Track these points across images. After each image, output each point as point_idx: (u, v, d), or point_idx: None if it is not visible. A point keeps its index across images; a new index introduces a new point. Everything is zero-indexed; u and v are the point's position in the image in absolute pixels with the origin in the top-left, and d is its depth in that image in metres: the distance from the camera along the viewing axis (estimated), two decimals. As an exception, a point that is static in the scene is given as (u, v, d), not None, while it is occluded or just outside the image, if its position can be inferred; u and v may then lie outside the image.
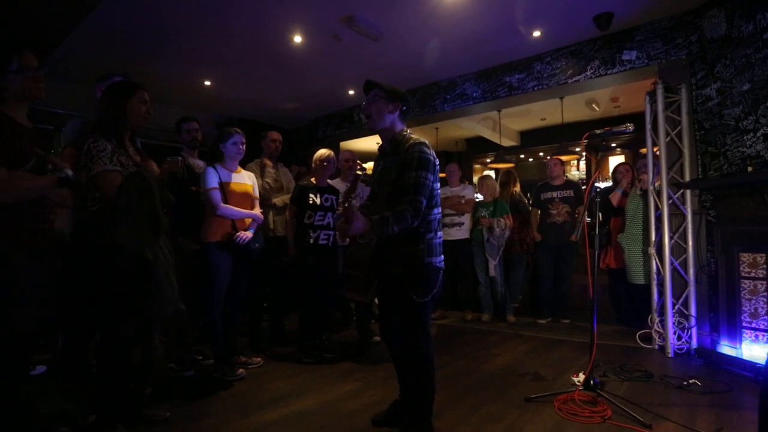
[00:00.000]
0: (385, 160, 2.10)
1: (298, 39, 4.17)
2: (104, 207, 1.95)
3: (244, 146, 2.99)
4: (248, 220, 2.97)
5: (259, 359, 3.20)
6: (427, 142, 2.00)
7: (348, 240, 1.99)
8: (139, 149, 2.23)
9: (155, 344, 2.05)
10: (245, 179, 3.06)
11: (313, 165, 3.44)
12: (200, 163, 3.26)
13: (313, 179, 3.41)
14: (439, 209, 2.06)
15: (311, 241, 3.25)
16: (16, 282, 1.70)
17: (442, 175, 4.93)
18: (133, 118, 2.10)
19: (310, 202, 3.26)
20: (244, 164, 3.30)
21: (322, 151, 3.42)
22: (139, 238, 1.89)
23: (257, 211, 3.07)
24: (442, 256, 2.06)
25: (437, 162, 2.01)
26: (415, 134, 2.08)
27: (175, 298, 2.00)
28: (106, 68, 2.66)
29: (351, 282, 2.06)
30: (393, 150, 2.06)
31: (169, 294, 1.96)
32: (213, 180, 2.83)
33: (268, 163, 3.84)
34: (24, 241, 1.75)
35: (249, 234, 2.88)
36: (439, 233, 2.05)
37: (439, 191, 2.08)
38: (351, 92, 5.79)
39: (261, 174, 3.72)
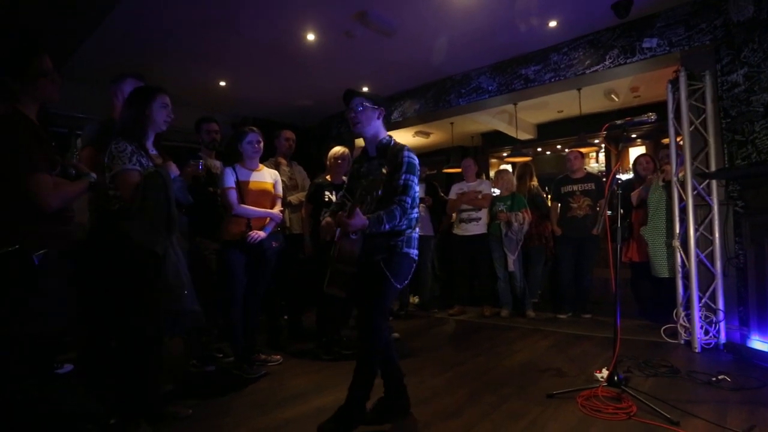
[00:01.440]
0: (369, 164, 2.24)
1: (311, 37, 4.17)
2: (124, 206, 1.98)
3: (261, 144, 2.99)
4: (267, 219, 2.98)
5: (278, 357, 3.22)
6: (408, 146, 2.15)
7: (337, 237, 2.16)
8: (162, 153, 2.26)
9: (164, 340, 2.07)
10: (266, 177, 3.04)
11: (327, 162, 3.44)
12: (217, 164, 3.29)
13: (328, 177, 3.40)
14: (417, 209, 2.19)
15: (327, 238, 3.25)
16: (42, 283, 1.74)
17: (457, 170, 4.91)
18: (154, 122, 2.14)
19: (326, 199, 3.26)
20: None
21: (337, 149, 3.41)
22: (149, 233, 1.91)
23: (277, 209, 3.06)
24: (417, 250, 2.20)
25: (419, 163, 2.16)
26: (395, 137, 2.25)
27: (185, 296, 2.01)
28: (122, 71, 2.69)
29: (336, 276, 2.12)
30: (380, 154, 2.20)
31: (177, 291, 1.97)
32: (230, 180, 2.85)
33: (283, 161, 3.86)
34: (49, 243, 1.78)
35: (262, 233, 2.88)
36: (418, 229, 2.22)
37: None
38: (365, 89, 5.76)
39: (276, 172, 3.74)
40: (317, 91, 5.82)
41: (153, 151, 2.20)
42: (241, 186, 2.89)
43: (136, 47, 4.22)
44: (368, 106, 2.20)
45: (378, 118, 2.24)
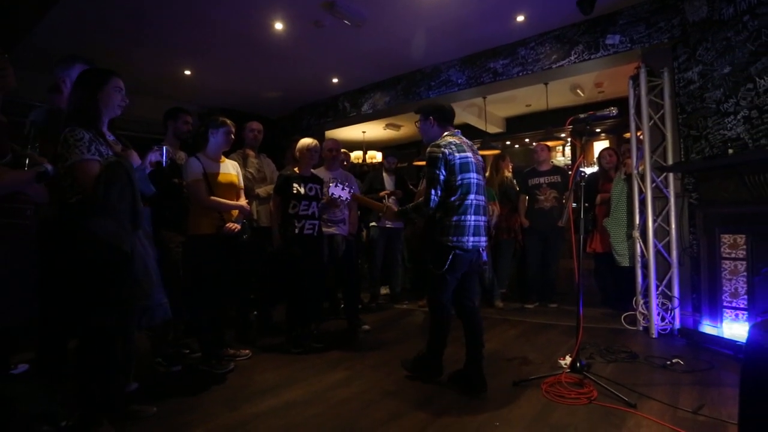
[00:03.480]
0: None
1: (279, 26, 4.09)
2: (84, 198, 1.89)
3: (233, 138, 2.96)
4: (235, 212, 2.93)
5: (247, 351, 3.17)
6: (444, 142, 2.36)
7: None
8: (120, 139, 2.16)
9: (134, 337, 2.00)
10: (230, 169, 3.01)
11: (297, 154, 3.40)
12: (182, 155, 3.19)
13: (296, 169, 3.36)
14: (459, 196, 2.34)
15: (296, 231, 3.22)
16: None
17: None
18: (109, 107, 2.03)
19: (294, 191, 3.22)
20: (226, 155, 3.23)
21: (307, 141, 3.37)
22: (115, 230, 1.84)
23: (243, 201, 3.03)
24: (466, 237, 2.35)
25: (452, 154, 2.33)
26: (449, 137, 2.43)
27: (154, 290, 1.96)
28: (79, 55, 2.55)
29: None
30: None
31: (146, 287, 1.91)
32: (198, 171, 2.78)
33: (251, 153, 3.78)
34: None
35: (237, 226, 2.85)
36: (457, 217, 2.34)
37: (473, 179, 2.39)
38: (335, 80, 5.71)
39: (244, 164, 3.67)
40: (286, 82, 5.73)
41: (110, 137, 2.10)
42: (210, 178, 2.82)
43: (93, 32, 4.03)
44: (422, 118, 2.52)
45: (433, 125, 2.50)
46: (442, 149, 2.32)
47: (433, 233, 2.37)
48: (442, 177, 2.31)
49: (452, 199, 2.34)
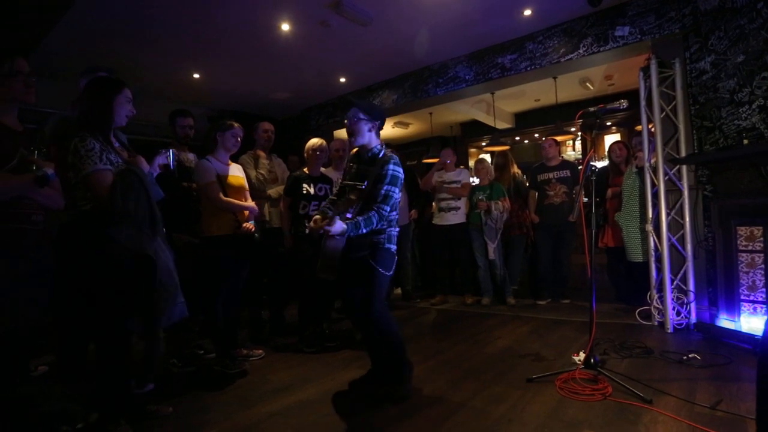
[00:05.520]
0: (360, 166, 2.45)
1: (285, 27, 4.11)
2: (96, 206, 1.93)
3: (241, 141, 2.99)
4: (246, 212, 2.96)
5: (260, 351, 3.20)
6: (398, 160, 2.37)
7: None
8: (125, 145, 2.20)
9: (161, 340, 2.04)
10: (237, 172, 3.05)
11: (305, 155, 3.41)
12: (191, 156, 3.23)
13: (305, 169, 3.38)
14: (397, 212, 2.44)
15: (307, 231, 3.23)
16: None
17: (437, 160, 4.93)
18: (118, 116, 2.07)
19: (304, 192, 3.24)
20: (236, 157, 3.27)
21: (314, 141, 3.39)
22: (138, 238, 1.87)
23: (251, 202, 3.06)
24: (396, 246, 2.46)
25: (402, 174, 2.38)
26: (391, 152, 2.43)
27: (178, 292, 1.99)
28: (91, 63, 2.61)
29: (325, 266, 2.31)
30: (370, 161, 2.40)
31: (171, 289, 1.95)
32: (211, 173, 2.81)
33: (262, 154, 3.80)
34: (2, 241, 1.72)
35: (253, 226, 2.89)
36: (392, 228, 2.43)
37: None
38: (342, 80, 5.72)
39: (255, 165, 3.69)
40: (294, 83, 5.75)
41: (115, 144, 2.14)
42: (221, 180, 2.85)
43: (107, 39, 4.09)
44: (362, 118, 2.37)
45: (370, 131, 2.40)
46: (401, 168, 2.37)
47: (379, 240, 2.38)
48: (395, 196, 2.34)
49: (393, 213, 2.42)
